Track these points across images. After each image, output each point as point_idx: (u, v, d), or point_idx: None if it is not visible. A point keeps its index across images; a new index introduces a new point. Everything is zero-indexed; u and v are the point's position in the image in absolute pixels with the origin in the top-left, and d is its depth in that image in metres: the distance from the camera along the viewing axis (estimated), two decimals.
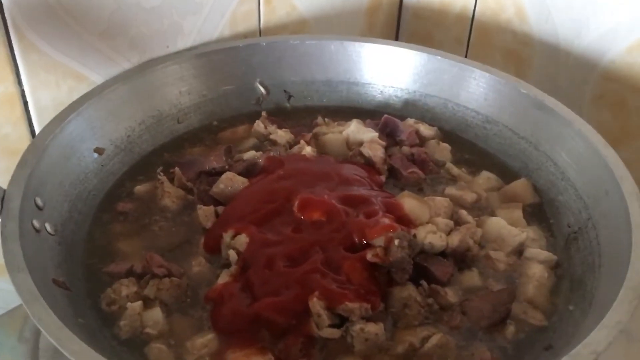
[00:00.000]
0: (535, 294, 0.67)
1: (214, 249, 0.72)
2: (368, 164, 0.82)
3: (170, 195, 0.77)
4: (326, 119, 0.91)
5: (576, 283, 0.69)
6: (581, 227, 0.73)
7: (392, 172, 0.82)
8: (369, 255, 0.66)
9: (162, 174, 0.80)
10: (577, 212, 0.74)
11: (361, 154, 0.82)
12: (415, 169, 0.82)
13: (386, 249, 0.66)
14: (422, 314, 0.65)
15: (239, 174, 0.78)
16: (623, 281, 0.59)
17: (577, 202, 0.75)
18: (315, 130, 0.89)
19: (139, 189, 0.80)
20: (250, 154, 0.83)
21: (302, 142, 0.85)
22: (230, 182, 0.77)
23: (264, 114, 0.92)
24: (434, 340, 0.62)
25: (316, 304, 0.62)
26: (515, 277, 0.70)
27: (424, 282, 0.67)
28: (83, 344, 0.53)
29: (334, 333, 0.62)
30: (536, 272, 0.69)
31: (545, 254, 0.71)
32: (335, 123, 0.91)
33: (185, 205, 0.78)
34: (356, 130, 0.86)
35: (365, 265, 0.66)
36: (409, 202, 0.73)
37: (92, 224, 0.75)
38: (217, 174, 0.79)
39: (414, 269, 0.67)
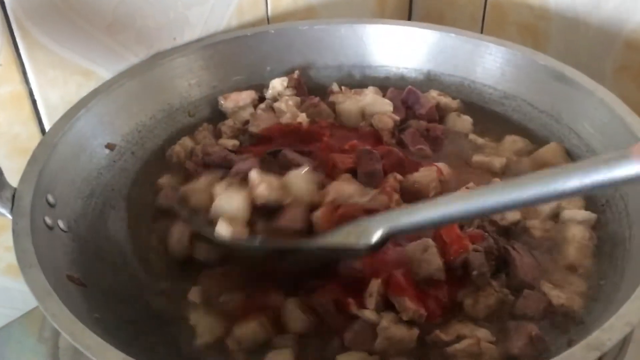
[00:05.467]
0: (578, 257, 0.64)
1: None
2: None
3: None
4: (343, 87, 0.89)
5: (606, 256, 0.66)
6: (609, 200, 0.70)
7: (401, 146, 0.80)
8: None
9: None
10: None
11: (371, 126, 0.82)
12: (424, 146, 0.80)
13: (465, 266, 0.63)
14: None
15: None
16: None
17: None
18: (331, 98, 0.87)
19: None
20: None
21: (294, 109, 0.83)
22: None
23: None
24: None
25: (374, 285, 0.60)
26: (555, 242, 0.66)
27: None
28: (98, 338, 0.51)
29: (373, 316, 0.59)
30: (576, 234, 0.65)
31: (583, 213, 0.68)
32: (352, 91, 0.88)
33: None
34: (372, 102, 0.84)
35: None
36: None
37: (107, 220, 0.74)
38: None
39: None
